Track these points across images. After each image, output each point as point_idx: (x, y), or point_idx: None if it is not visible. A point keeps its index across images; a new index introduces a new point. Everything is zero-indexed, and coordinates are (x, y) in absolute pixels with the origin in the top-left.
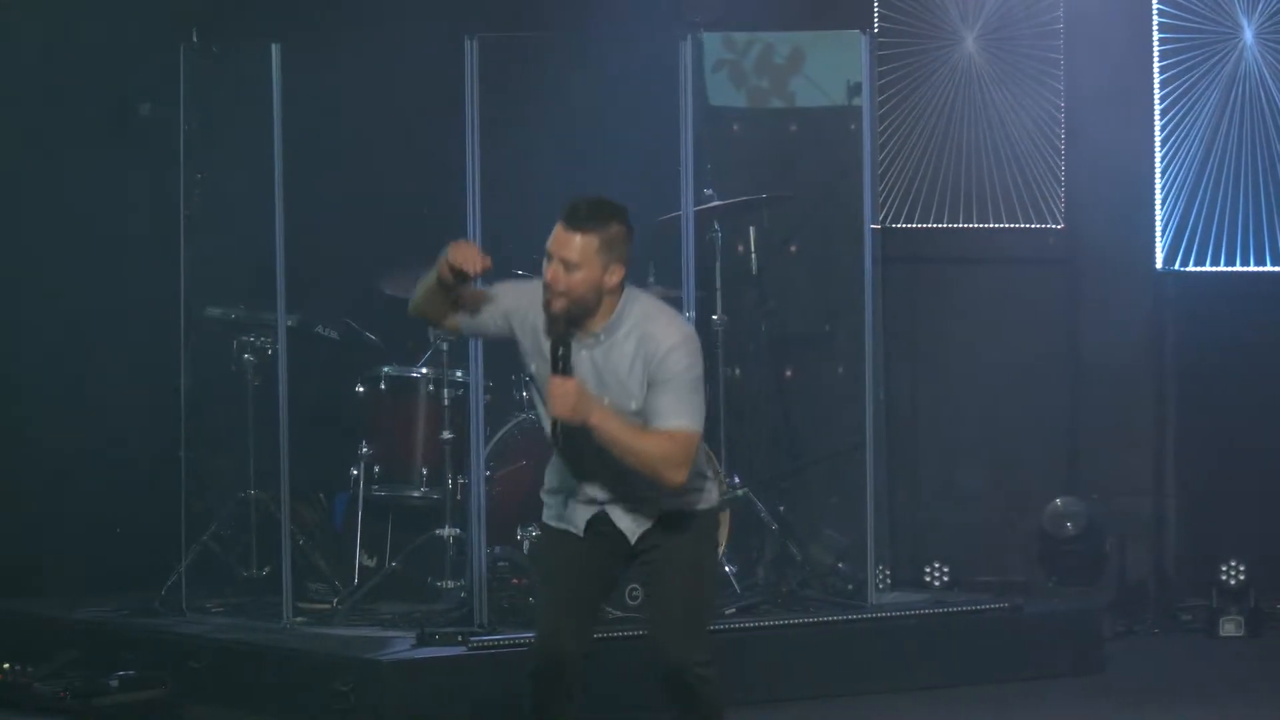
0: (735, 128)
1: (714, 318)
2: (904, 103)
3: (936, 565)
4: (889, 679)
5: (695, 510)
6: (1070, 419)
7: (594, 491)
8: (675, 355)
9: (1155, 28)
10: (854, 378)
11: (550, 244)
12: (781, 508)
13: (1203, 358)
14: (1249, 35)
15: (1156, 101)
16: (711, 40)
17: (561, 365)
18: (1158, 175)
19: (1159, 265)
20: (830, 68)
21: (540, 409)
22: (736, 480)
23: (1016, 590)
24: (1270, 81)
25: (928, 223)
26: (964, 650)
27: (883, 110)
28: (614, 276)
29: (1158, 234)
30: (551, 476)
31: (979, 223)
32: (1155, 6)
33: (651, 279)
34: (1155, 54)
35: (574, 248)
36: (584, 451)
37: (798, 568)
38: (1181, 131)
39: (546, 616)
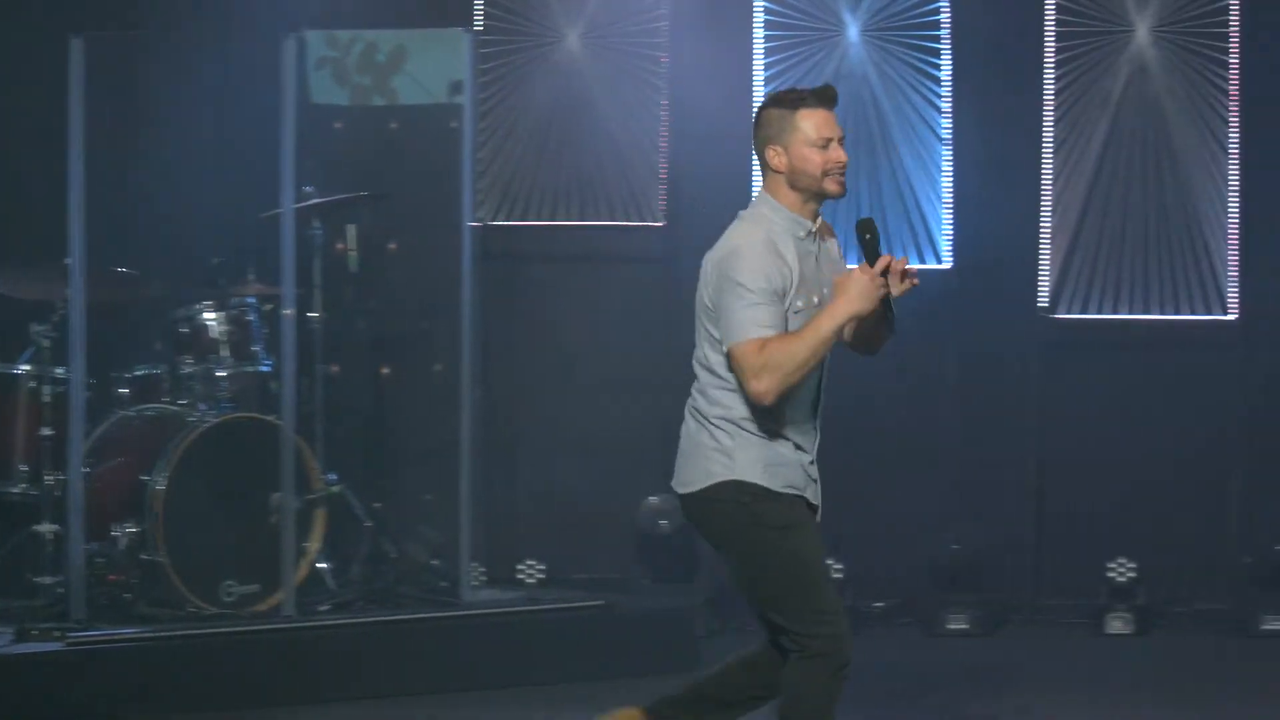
0: (337, 125)
1: (312, 315)
2: (507, 100)
3: (531, 563)
4: (483, 676)
5: None
6: (666, 416)
7: (814, 442)
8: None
9: (759, 25)
10: (452, 375)
11: (824, 129)
12: (377, 505)
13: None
14: (853, 33)
15: (758, 99)
16: (315, 38)
17: (874, 244)
18: (756, 174)
19: None
20: (433, 66)
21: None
22: (333, 477)
23: (611, 588)
24: (874, 80)
25: (529, 220)
26: (558, 647)
27: (485, 108)
28: None
29: None
30: (790, 433)
31: (580, 220)
32: (759, 4)
33: (251, 276)
34: (759, 51)
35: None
36: (826, 381)
37: (392, 565)
38: None
39: (836, 603)
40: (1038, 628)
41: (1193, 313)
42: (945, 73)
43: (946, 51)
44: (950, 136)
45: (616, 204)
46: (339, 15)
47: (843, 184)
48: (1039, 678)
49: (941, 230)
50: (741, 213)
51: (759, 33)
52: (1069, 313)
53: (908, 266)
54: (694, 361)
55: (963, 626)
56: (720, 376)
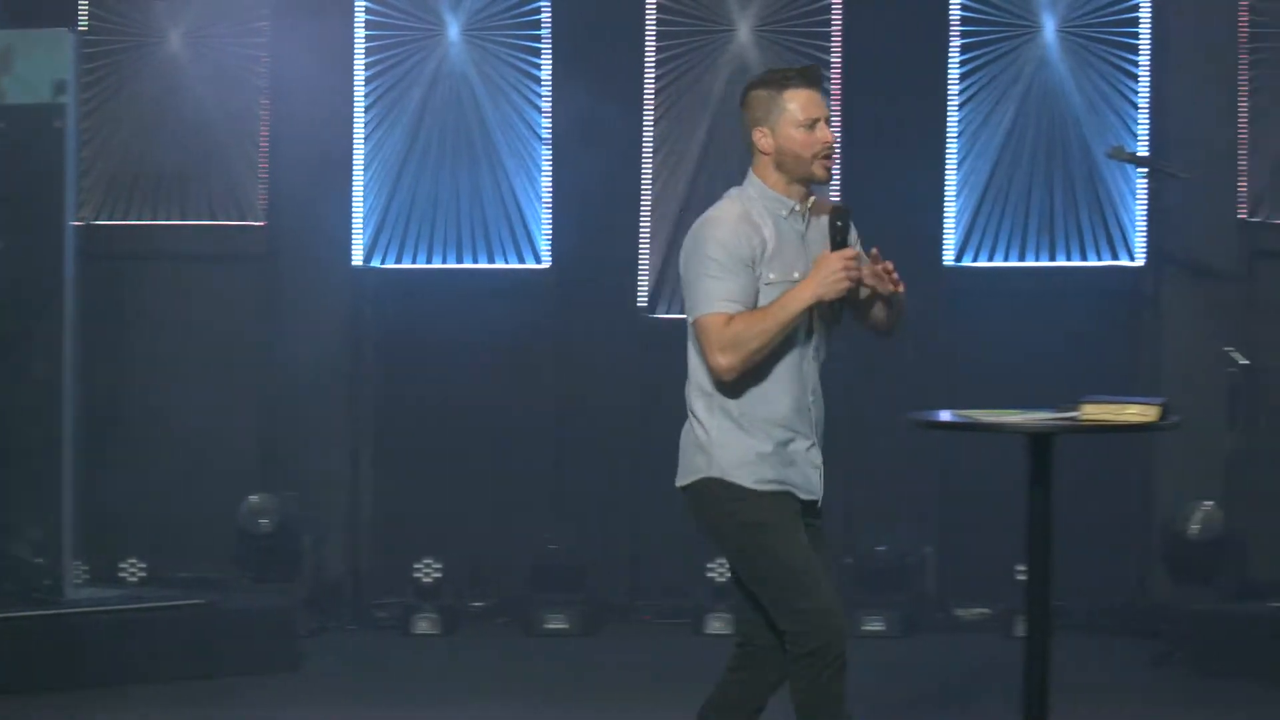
0: None
1: None
2: (111, 100)
3: (133, 561)
4: (84, 675)
5: None
6: (269, 415)
7: (812, 422)
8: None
9: (360, 25)
10: (54, 375)
11: (811, 109)
12: None
13: (399, 355)
14: (454, 32)
15: (359, 98)
16: None
17: (842, 237)
18: (358, 172)
19: (358, 262)
20: (37, 65)
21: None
22: None
23: (212, 587)
24: (475, 79)
25: (132, 220)
26: (159, 646)
27: (89, 108)
28: None
29: (357, 231)
30: (780, 414)
31: (182, 220)
32: (360, 4)
33: None
34: (360, 50)
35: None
36: (823, 344)
37: None
38: (384, 129)
39: (824, 589)
40: (637, 627)
41: None
42: (545, 73)
43: (547, 51)
44: (550, 136)
45: (217, 203)
46: None
47: (829, 168)
48: (637, 677)
49: (541, 230)
50: (727, 192)
51: (360, 32)
52: (669, 312)
53: (890, 270)
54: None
55: (562, 626)
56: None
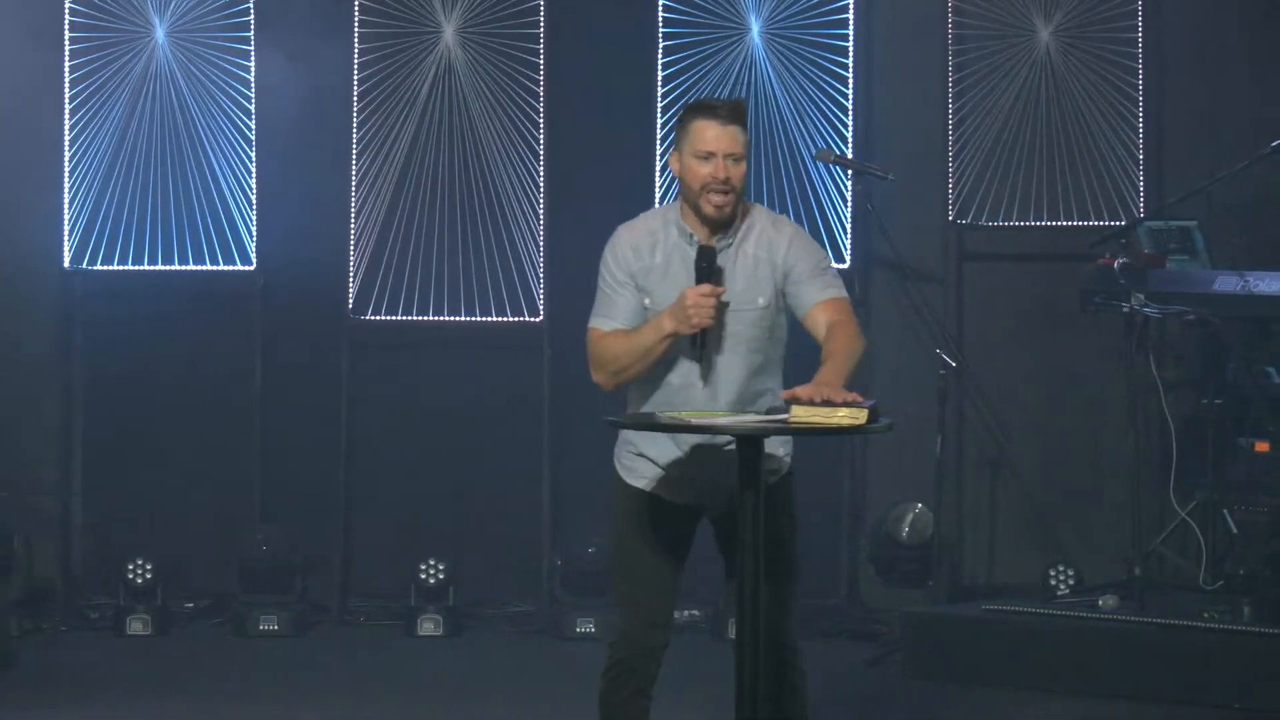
0: None
1: None
2: None
3: None
4: None
5: (789, 471)
6: None
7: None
8: (798, 240)
9: (67, 27)
10: None
11: (708, 144)
12: None
13: (109, 357)
14: (161, 35)
15: (66, 100)
16: None
17: (706, 273)
18: (66, 176)
19: (67, 264)
20: None
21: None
22: None
23: None
24: (181, 80)
25: None
26: None
27: None
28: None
29: (65, 233)
30: (665, 438)
31: None
32: (67, 6)
33: None
34: (66, 53)
35: (739, 141)
36: (731, 373)
37: None
38: (91, 131)
39: (645, 608)
40: (349, 629)
41: (505, 315)
42: (253, 74)
43: (254, 53)
44: (256, 138)
45: None
46: None
47: (719, 206)
48: (350, 679)
49: (252, 231)
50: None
51: (66, 34)
52: (375, 314)
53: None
54: None
55: (273, 627)
56: None
